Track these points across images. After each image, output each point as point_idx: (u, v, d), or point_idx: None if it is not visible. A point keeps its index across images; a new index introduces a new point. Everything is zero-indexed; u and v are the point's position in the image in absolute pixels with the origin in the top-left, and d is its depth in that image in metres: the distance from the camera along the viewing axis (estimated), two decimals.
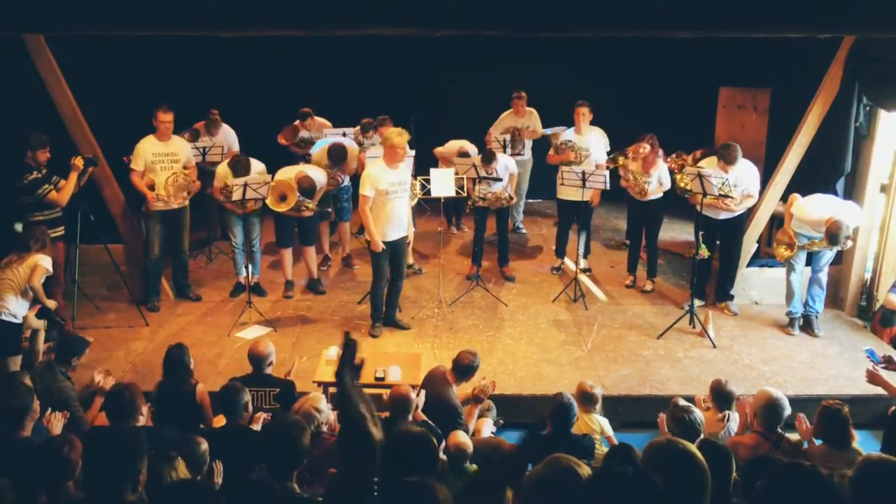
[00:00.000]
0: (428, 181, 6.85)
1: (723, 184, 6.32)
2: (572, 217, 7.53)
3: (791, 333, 6.53)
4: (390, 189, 5.99)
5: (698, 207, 6.47)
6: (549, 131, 8.07)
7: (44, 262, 5.30)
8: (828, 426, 3.77)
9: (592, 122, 7.53)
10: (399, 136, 5.94)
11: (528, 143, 8.57)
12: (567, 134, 7.58)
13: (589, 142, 7.42)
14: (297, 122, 8.18)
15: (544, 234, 9.10)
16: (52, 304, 5.43)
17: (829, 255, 6.32)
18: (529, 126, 8.50)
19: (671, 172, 7.09)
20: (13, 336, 5.19)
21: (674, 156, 7.67)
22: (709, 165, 6.58)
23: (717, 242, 6.78)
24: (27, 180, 5.88)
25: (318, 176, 6.83)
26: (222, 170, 6.75)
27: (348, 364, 3.19)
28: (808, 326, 6.53)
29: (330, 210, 7.64)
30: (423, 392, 4.57)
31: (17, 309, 5.20)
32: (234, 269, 7.20)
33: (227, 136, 7.89)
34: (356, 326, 6.54)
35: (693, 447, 2.44)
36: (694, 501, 2.35)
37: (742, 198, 6.47)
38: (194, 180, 6.78)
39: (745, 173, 6.49)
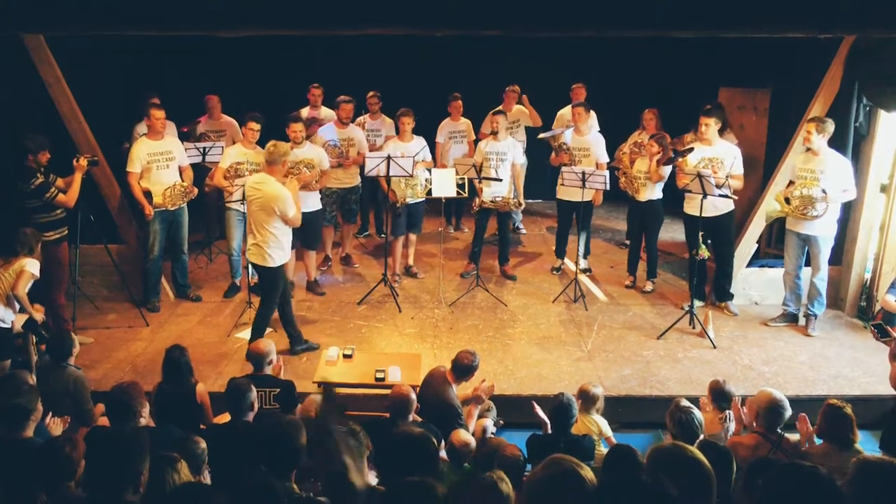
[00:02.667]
0: (429, 181, 6.84)
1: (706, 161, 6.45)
2: (572, 217, 7.54)
3: (767, 324, 6.60)
4: None
5: (688, 210, 6.52)
6: (548, 134, 8.08)
7: (30, 266, 5.15)
8: (832, 426, 3.77)
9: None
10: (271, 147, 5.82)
11: (524, 145, 8.55)
12: (566, 136, 7.58)
13: (588, 142, 7.42)
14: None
15: (544, 235, 9.10)
16: (38, 315, 5.25)
17: (824, 256, 6.34)
18: (520, 124, 8.50)
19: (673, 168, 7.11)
20: (3, 340, 5.08)
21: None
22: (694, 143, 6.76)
23: (709, 242, 6.79)
24: (34, 185, 5.83)
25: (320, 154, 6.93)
26: (230, 150, 6.84)
27: (331, 412, 3.18)
28: (804, 325, 6.56)
29: (335, 214, 7.66)
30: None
31: (4, 314, 5.08)
32: (230, 271, 7.22)
33: (232, 125, 7.96)
34: (356, 327, 6.55)
35: (698, 452, 2.43)
36: None
37: (731, 177, 6.43)
38: (191, 188, 6.80)
39: (732, 150, 6.57)
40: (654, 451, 2.51)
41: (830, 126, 6.13)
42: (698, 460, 2.37)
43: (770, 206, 6.54)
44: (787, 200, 6.31)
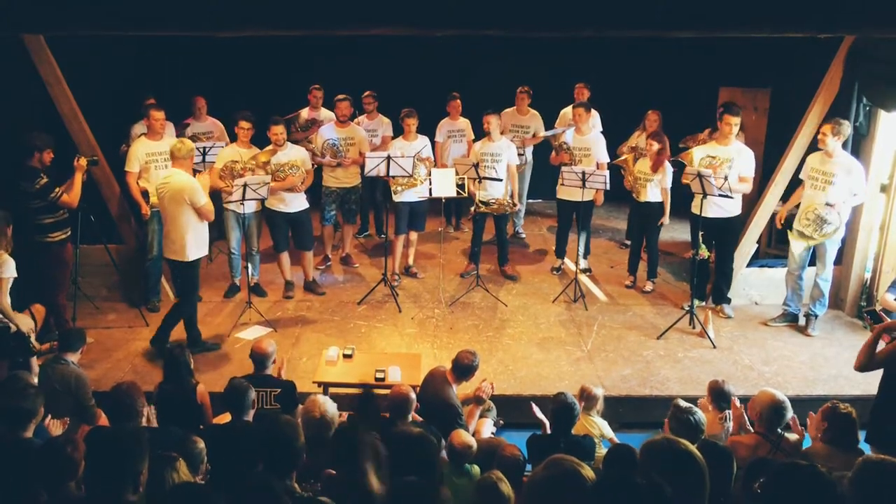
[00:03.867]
0: (428, 162, 6.84)
1: (711, 159, 6.42)
2: (572, 217, 7.54)
3: (767, 324, 6.61)
4: None
5: (694, 209, 6.50)
6: (549, 133, 8.08)
7: (5, 272, 5.02)
8: (834, 427, 3.76)
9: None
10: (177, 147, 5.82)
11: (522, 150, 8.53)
12: (567, 135, 7.58)
13: (589, 142, 7.42)
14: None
15: (544, 235, 9.10)
16: (26, 327, 5.09)
17: (830, 257, 6.34)
18: (531, 129, 8.43)
19: (679, 165, 7.10)
20: (1, 339, 5.00)
21: (680, 144, 7.70)
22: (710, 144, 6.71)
23: (713, 242, 6.78)
24: (38, 185, 5.80)
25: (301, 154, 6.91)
26: (224, 150, 6.81)
27: (368, 416, 3.18)
28: (804, 325, 6.56)
29: (335, 213, 7.65)
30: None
31: None
32: (229, 271, 7.22)
33: (217, 125, 7.89)
34: (356, 327, 6.55)
35: (690, 445, 2.44)
36: (693, 500, 2.34)
37: (739, 181, 6.39)
38: None
39: (743, 150, 6.50)
40: (646, 445, 2.52)
41: (846, 128, 6.09)
42: (691, 453, 2.38)
43: (794, 238, 6.45)
44: (790, 223, 6.35)
